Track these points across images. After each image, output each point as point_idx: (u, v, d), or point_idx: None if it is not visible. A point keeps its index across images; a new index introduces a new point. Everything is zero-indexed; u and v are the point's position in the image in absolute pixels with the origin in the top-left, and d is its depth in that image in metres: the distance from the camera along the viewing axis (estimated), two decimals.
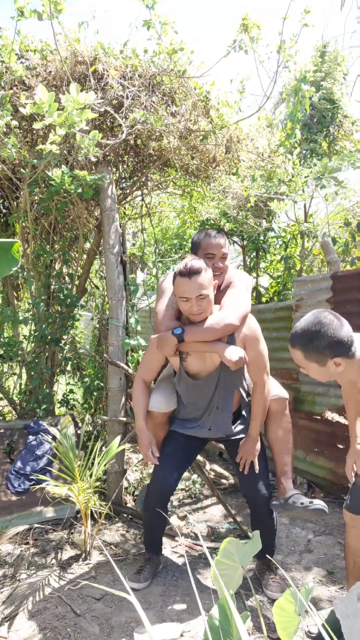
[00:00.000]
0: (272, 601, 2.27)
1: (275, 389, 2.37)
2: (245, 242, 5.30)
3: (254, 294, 5.15)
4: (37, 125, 2.26)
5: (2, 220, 4.26)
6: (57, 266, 4.03)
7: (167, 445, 2.36)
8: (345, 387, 1.99)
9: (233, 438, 2.36)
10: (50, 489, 2.42)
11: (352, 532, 2.02)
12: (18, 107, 2.87)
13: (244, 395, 2.35)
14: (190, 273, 2.02)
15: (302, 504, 2.19)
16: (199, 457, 3.69)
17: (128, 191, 4.01)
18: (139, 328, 3.33)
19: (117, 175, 3.77)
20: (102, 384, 3.91)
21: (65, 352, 4.15)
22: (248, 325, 2.16)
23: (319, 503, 2.17)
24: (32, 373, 3.67)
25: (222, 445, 2.68)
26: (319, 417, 3.47)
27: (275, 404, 2.34)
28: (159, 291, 2.37)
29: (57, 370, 3.97)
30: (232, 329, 2.11)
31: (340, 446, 3.27)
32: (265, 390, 2.18)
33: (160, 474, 2.29)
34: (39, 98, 2.21)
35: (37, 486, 2.70)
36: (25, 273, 3.69)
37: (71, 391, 4.47)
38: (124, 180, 3.97)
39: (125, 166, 3.77)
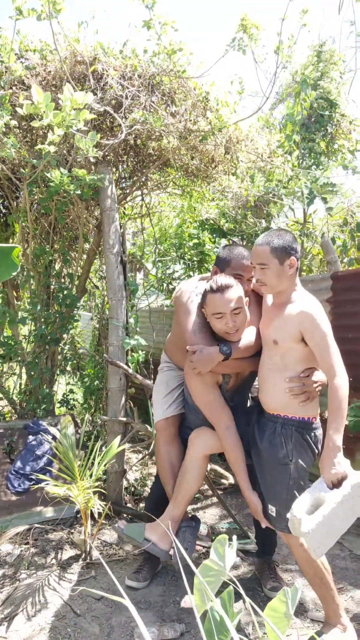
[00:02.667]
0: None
1: None
2: (244, 242, 5.31)
3: None
4: (34, 124, 2.26)
5: (2, 220, 4.26)
6: (57, 266, 4.03)
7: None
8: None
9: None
10: (50, 489, 2.42)
11: (297, 551, 1.98)
12: (17, 107, 2.88)
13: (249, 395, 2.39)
14: (221, 288, 1.98)
15: None
16: None
17: (128, 191, 4.01)
18: (138, 328, 3.33)
19: (117, 175, 3.77)
20: (102, 384, 3.91)
21: (65, 352, 4.15)
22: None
23: None
24: (32, 373, 3.67)
25: None
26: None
27: None
28: (183, 309, 2.19)
29: (57, 370, 3.97)
30: (258, 343, 2.11)
31: None
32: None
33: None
34: (37, 101, 2.21)
35: (37, 486, 2.70)
36: (25, 273, 3.69)
37: (71, 391, 4.47)
38: (123, 180, 3.97)
39: (125, 166, 3.77)
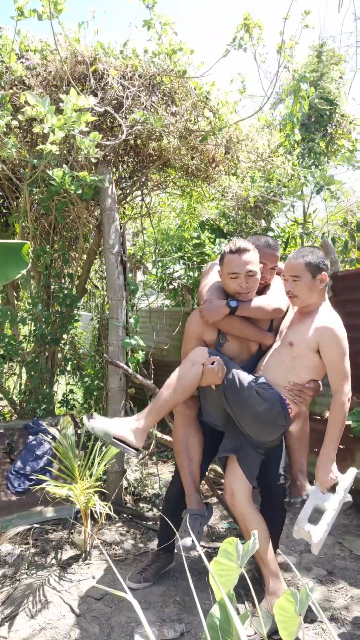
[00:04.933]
0: None
1: None
2: None
3: None
4: (36, 129, 2.27)
5: (2, 220, 4.26)
6: (57, 266, 4.03)
7: None
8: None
9: None
10: (50, 489, 2.42)
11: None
12: (18, 107, 2.88)
13: None
14: (239, 250, 2.11)
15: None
16: None
17: (128, 191, 4.01)
18: (138, 328, 3.33)
19: (117, 175, 3.77)
20: (102, 384, 3.91)
21: (65, 352, 4.15)
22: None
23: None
24: (32, 373, 3.67)
25: None
26: (319, 417, 3.47)
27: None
28: (203, 274, 2.43)
29: (57, 370, 3.97)
30: (279, 313, 2.19)
31: (341, 446, 3.27)
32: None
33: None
34: (34, 104, 2.22)
35: (37, 486, 2.70)
36: (25, 273, 3.68)
37: (71, 391, 4.47)
38: (124, 180, 3.97)
39: (125, 166, 3.77)
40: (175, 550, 2.28)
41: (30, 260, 3.67)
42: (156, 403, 2.07)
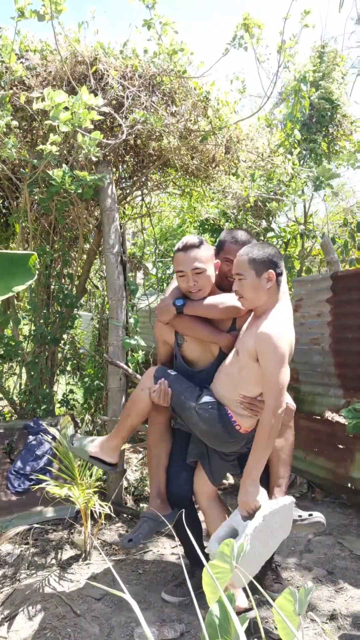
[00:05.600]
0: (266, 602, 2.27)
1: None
2: None
3: None
4: (46, 123, 2.28)
5: (2, 220, 4.26)
6: (57, 266, 4.03)
7: (175, 441, 2.29)
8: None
9: None
10: (50, 489, 2.42)
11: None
12: (18, 107, 2.88)
13: None
14: (185, 247, 2.03)
15: (299, 517, 2.03)
16: None
17: (128, 191, 4.01)
18: (138, 328, 3.33)
19: (117, 175, 3.77)
20: (102, 384, 3.91)
21: (65, 352, 4.15)
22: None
23: (318, 515, 2.04)
24: (32, 373, 3.67)
25: None
26: (318, 417, 3.48)
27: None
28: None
29: (57, 370, 3.97)
30: (234, 311, 2.05)
31: (340, 446, 3.27)
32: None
33: (170, 480, 2.22)
34: (49, 95, 2.23)
35: (37, 486, 2.70)
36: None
37: (71, 391, 4.47)
38: (124, 180, 3.97)
39: (125, 166, 3.77)
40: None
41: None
42: (119, 425, 2.20)
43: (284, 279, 1.96)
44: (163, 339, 2.24)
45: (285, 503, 1.79)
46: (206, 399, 1.99)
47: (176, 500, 2.19)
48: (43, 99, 2.30)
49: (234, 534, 1.77)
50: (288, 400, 2.16)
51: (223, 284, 2.19)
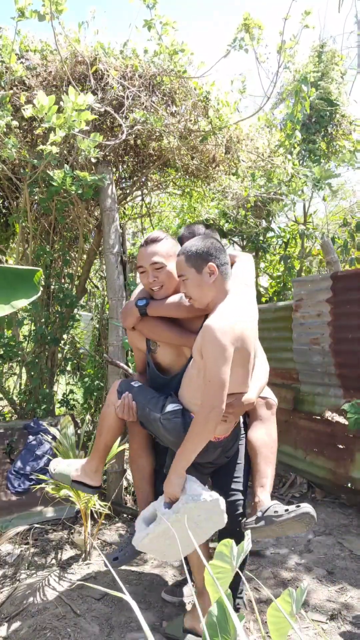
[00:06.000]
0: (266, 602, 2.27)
1: (264, 391, 2.07)
2: (244, 242, 5.31)
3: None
4: (38, 131, 2.27)
5: (2, 220, 4.26)
6: (57, 266, 4.03)
7: (159, 454, 2.16)
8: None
9: None
10: (50, 489, 2.42)
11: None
12: (18, 107, 2.88)
13: None
14: (146, 242, 1.93)
15: (286, 510, 1.77)
16: None
17: (128, 191, 4.01)
18: None
19: (117, 175, 3.77)
20: (102, 384, 3.91)
21: (65, 352, 4.15)
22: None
23: (305, 506, 1.76)
24: (32, 373, 3.67)
25: None
26: (318, 417, 3.48)
27: (263, 407, 2.06)
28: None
29: (57, 370, 3.97)
30: (203, 311, 1.85)
31: (340, 446, 3.27)
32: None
33: (158, 491, 2.09)
34: (38, 102, 2.22)
35: (37, 486, 2.70)
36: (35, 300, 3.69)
37: (71, 391, 4.47)
38: (124, 180, 3.97)
39: (125, 166, 3.77)
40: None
41: (31, 260, 3.69)
42: (95, 445, 2.07)
43: (229, 269, 1.81)
44: (136, 345, 2.10)
45: (205, 499, 1.67)
46: (170, 407, 1.84)
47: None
48: (34, 106, 2.28)
49: (154, 517, 1.77)
50: (269, 394, 2.10)
51: None
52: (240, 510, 1.98)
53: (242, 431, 2.06)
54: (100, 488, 2.10)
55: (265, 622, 2.09)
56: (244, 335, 1.71)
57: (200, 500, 1.67)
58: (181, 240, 2.13)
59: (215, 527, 1.75)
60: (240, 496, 1.99)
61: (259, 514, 1.82)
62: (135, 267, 2.02)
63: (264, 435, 2.01)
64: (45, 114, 2.27)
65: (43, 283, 3.75)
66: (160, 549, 1.77)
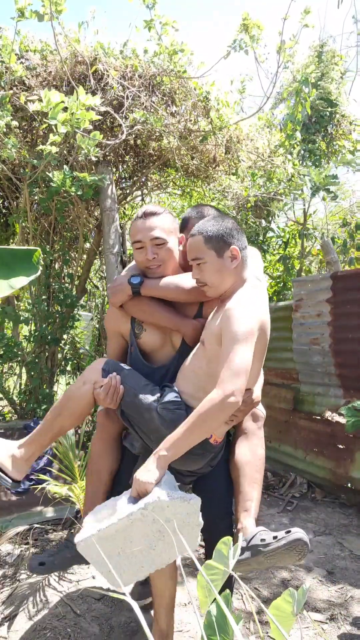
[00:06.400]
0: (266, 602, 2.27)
1: None
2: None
3: None
4: (41, 128, 2.28)
5: (2, 220, 4.26)
6: (57, 266, 4.04)
7: (123, 461, 1.89)
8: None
9: None
10: (50, 489, 2.42)
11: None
12: (19, 107, 2.88)
13: None
14: (145, 214, 1.72)
15: (275, 538, 1.49)
16: None
17: (128, 191, 4.01)
18: None
19: (117, 175, 3.78)
20: None
21: (65, 352, 4.16)
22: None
23: (296, 531, 1.47)
24: (32, 373, 3.67)
25: None
26: (318, 417, 3.48)
27: (249, 419, 1.82)
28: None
29: (57, 370, 3.98)
30: (202, 293, 1.65)
31: (340, 446, 3.27)
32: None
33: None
34: (45, 95, 2.22)
35: (37, 486, 2.70)
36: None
37: None
38: (124, 180, 3.98)
39: (125, 166, 3.78)
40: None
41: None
42: (43, 427, 1.71)
43: (250, 254, 1.65)
44: (116, 329, 1.85)
45: (185, 499, 1.31)
46: (170, 397, 1.60)
47: None
48: (41, 100, 2.30)
49: (114, 512, 1.36)
50: (258, 407, 1.84)
51: (188, 268, 1.77)
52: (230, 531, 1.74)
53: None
54: (19, 483, 1.73)
55: (265, 622, 2.09)
56: (266, 327, 1.55)
57: (176, 498, 1.30)
58: (187, 222, 1.97)
59: (186, 543, 1.26)
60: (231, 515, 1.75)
61: (243, 543, 1.52)
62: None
63: (248, 452, 1.76)
64: (51, 109, 2.27)
65: (42, 263, 3.72)
66: (110, 557, 1.32)
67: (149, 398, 1.61)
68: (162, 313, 1.73)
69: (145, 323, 1.78)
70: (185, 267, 1.81)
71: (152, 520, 1.29)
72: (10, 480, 1.69)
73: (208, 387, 1.48)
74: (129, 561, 1.34)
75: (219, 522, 1.73)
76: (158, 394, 1.64)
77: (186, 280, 1.72)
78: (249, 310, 1.46)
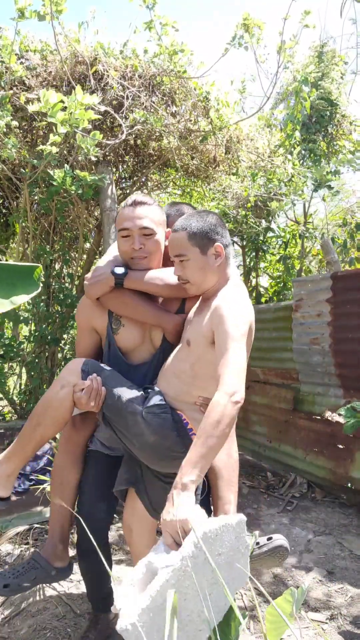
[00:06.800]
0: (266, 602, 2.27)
1: None
2: (244, 242, 5.32)
3: (254, 294, 5.16)
4: (41, 125, 2.28)
5: (2, 220, 4.27)
6: (57, 266, 4.04)
7: (88, 469, 1.78)
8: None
9: None
10: (50, 489, 2.42)
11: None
12: (19, 107, 2.88)
13: None
14: (135, 202, 1.64)
15: (257, 544, 1.57)
16: None
17: (128, 191, 4.01)
18: None
19: (117, 175, 3.78)
20: None
21: (65, 352, 4.16)
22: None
23: (278, 538, 1.57)
24: (32, 373, 3.67)
25: None
26: (318, 417, 3.47)
27: None
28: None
29: (57, 370, 3.98)
30: (185, 291, 1.60)
31: (340, 446, 3.27)
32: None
33: (83, 508, 1.71)
34: (44, 95, 2.23)
35: (37, 486, 2.70)
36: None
37: None
38: (124, 180, 3.98)
39: (125, 166, 3.78)
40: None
41: (31, 260, 3.69)
42: (21, 440, 1.57)
43: (231, 252, 1.60)
44: (89, 324, 1.74)
45: (229, 522, 1.08)
46: (155, 400, 1.53)
47: (92, 532, 1.53)
48: (39, 100, 2.30)
49: (154, 574, 1.04)
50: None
51: (167, 264, 1.71)
52: None
53: None
54: (8, 501, 1.59)
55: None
56: (253, 327, 1.51)
57: (222, 525, 1.06)
58: (166, 217, 1.85)
59: (238, 584, 1.12)
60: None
61: None
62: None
63: (224, 456, 1.72)
64: (50, 109, 2.27)
65: (43, 280, 3.76)
66: (161, 631, 0.96)
67: (132, 401, 1.53)
68: (145, 307, 1.65)
69: (123, 318, 1.68)
70: (166, 262, 1.73)
71: (202, 561, 1.00)
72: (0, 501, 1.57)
73: (192, 389, 1.48)
74: (186, 628, 1.02)
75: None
76: (141, 396, 1.56)
77: (170, 275, 1.64)
78: (240, 310, 1.43)
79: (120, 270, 1.61)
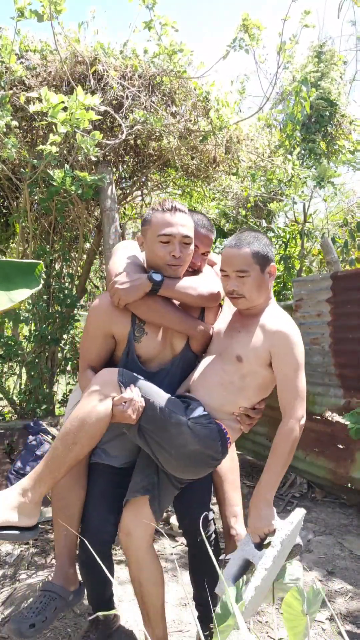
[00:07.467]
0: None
1: None
2: None
3: None
4: (41, 124, 2.28)
5: (2, 220, 4.27)
6: (57, 266, 4.04)
7: (92, 484, 1.73)
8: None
9: None
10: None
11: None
12: (18, 107, 2.88)
13: None
14: (175, 208, 1.60)
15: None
16: None
17: (128, 191, 4.01)
18: None
19: (117, 175, 3.78)
20: None
21: (65, 352, 4.16)
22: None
23: None
24: (32, 373, 3.67)
25: None
26: (319, 417, 3.47)
27: None
28: (112, 254, 1.83)
29: (57, 370, 3.98)
30: (215, 300, 1.69)
31: (340, 446, 3.27)
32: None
33: (92, 522, 1.67)
34: (45, 94, 2.23)
35: None
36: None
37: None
38: (124, 180, 3.98)
39: (125, 166, 3.78)
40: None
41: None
42: (49, 464, 1.48)
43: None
44: (106, 330, 1.65)
45: (299, 519, 1.47)
46: (200, 411, 1.56)
47: (99, 545, 1.61)
48: (40, 100, 2.30)
49: (247, 567, 1.47)
50: None
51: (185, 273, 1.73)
52: (215, 536, 1.78)
53: None
54: (36, 530, 1.50)
55: (266, 622, 2.09)
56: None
57: (296, 522, 1.46)
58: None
59: (298, 545, 1.54)
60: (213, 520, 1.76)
61: (240, 551, 1.52)
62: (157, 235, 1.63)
63: (228, 459, 1.74)
64: (51, 109, 2.28)
65: (44, 277, 3.75)
66: (253, 607, 1.36)
67: (176, 412, 1.52)
68: (175, 315, 1.64)
69: (147, 326, 1.64)
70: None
71: (282, 555, 1.42)
72: (29, 532, 1.47)
73: (239, 399, 1.59)
74: (264, 593, 1.41)
75: (198, 510, 1.72)
76: (182, 406, 1.56)
77: (202, 285, 1.66)
78: (299, 336, 1.56)
79: (158, 277, 1.58)
